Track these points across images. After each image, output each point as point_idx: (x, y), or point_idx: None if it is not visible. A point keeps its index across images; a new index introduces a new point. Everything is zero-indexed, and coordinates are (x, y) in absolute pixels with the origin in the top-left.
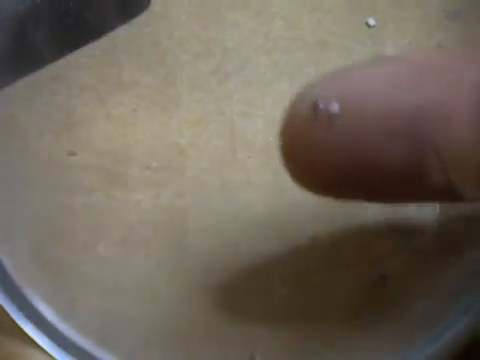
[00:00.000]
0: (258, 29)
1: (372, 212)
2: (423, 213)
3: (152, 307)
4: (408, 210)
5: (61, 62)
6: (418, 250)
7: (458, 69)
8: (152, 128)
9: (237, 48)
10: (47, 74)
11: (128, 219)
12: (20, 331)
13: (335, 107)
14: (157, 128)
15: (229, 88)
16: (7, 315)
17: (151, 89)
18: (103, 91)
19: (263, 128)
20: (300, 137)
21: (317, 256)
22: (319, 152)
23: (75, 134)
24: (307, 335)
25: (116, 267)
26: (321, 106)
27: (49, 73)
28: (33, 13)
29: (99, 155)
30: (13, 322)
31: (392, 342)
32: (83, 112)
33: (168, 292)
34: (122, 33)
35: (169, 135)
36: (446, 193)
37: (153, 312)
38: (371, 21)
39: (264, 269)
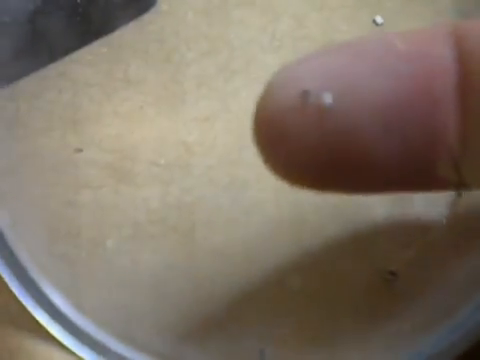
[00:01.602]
0: (265, 27)
1: (381, 209)
2: (431, 209)
3: (161, 302)
4: (416, 206)
5: (67, 59)
6: (427, 247)
7: (438, 48)
8: (159, 125)
9: (244, 46)
10: (54, 71)
11: (136, 216)
12: (30, 322)
13: (328, 99)
14: (164, 125)
15: (236, 86)
16: (17, 306)
17: (158, 86)
18: (109, 88)
19: None
20: (283, 126)
21: (326, 253)
22: (304, 144)
23: (82, 131)
24: (316, 330)
25: (124, 263)
26: (313, 97)
27: (55, 70)
28: (41, 11)
29: (106, 152)
30: (24, 313)
31: (403, 337)
32: (90, 109)
33: (176, 288)
34: (129, 31)
35: (176, 132)
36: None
37: (162, 307)
38: (379, 19)
39: (272, 265)
